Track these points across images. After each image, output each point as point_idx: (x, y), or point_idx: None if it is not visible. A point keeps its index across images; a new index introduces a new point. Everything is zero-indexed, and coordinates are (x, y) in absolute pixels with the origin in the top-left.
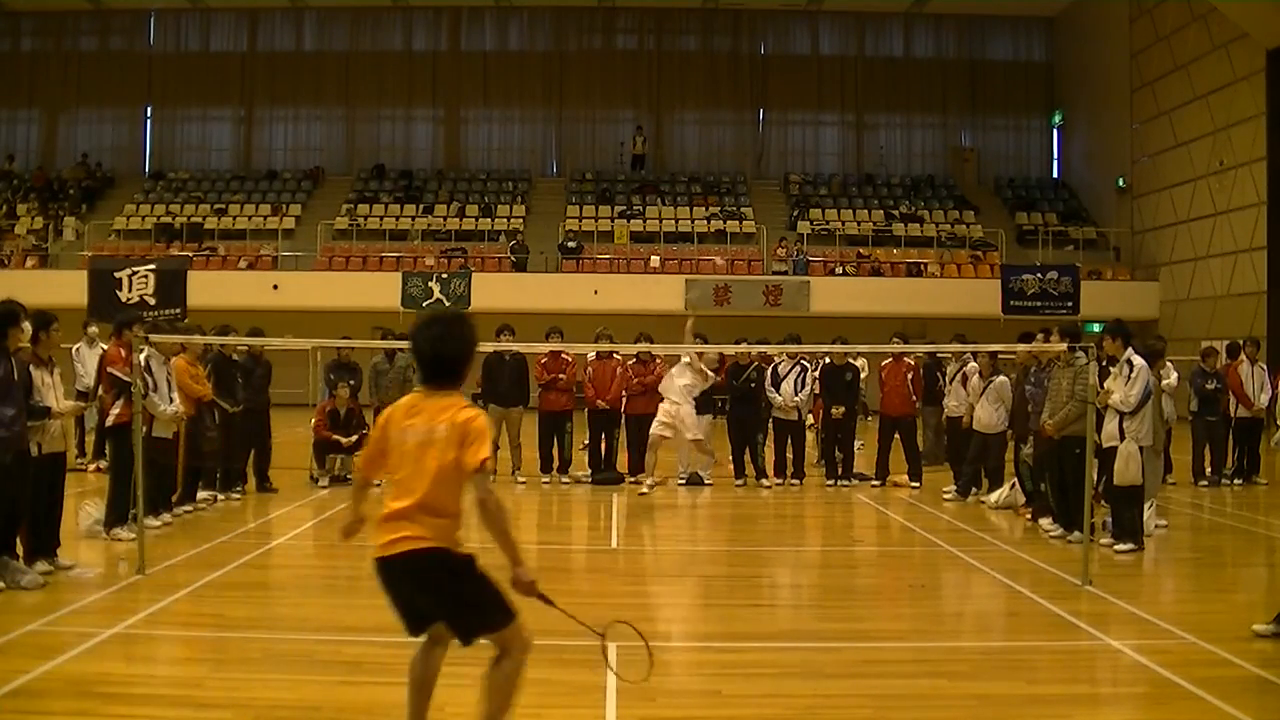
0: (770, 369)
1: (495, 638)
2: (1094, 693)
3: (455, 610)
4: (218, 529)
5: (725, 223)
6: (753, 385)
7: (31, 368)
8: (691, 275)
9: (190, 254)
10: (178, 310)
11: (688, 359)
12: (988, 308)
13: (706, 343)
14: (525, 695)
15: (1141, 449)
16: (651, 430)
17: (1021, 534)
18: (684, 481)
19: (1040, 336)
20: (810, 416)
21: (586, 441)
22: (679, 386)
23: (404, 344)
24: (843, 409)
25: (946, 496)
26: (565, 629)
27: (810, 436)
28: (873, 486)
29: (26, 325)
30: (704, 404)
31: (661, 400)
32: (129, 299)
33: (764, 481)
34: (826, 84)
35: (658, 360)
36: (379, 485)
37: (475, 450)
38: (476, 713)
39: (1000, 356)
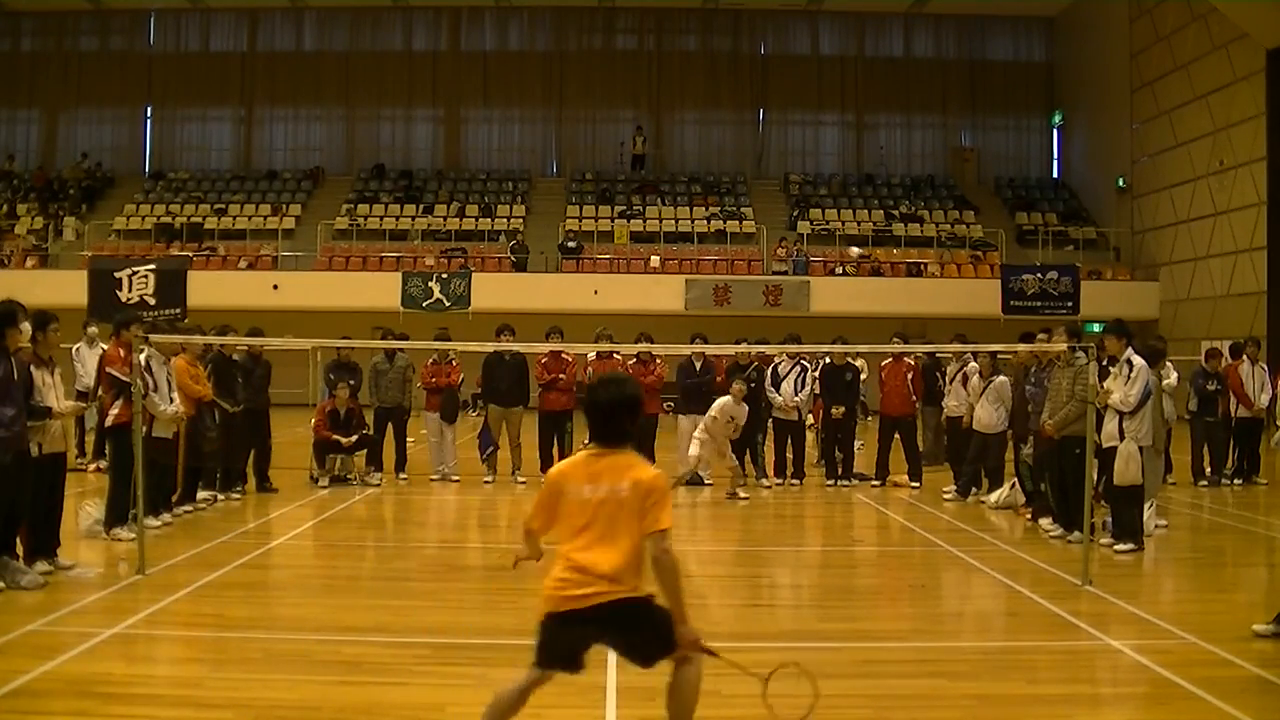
0: (770, 369)
1: (674, 655)
2: (1094, 693)
3: (646, 649)
4: (218, 529)
5: (725, 223)
6: (752, 385)
7: (32, 368)
8: (691, 275)
9: (190, 254)
10: (178, 310)
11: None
12: (988, 308)
13: (706, 342)
14: None
15: (1141, 449)
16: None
17: (1021, 534)
18: (683, 482)
19: (1042, 337)
20: (810, 416)
21: (586, 441)
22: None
23: (404, 344)
24: (843, 409)
25: (946, 496)
26: None
27: (810, 436)
28: (873, 486)
29: (26, 325)
30: (704, 404)
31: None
32: (129, 299)
33: (764, 481)
34: (826, 84)
35: (658, 360)
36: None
37: (657, 513)
38: (669, 714)
39: (999, 356)
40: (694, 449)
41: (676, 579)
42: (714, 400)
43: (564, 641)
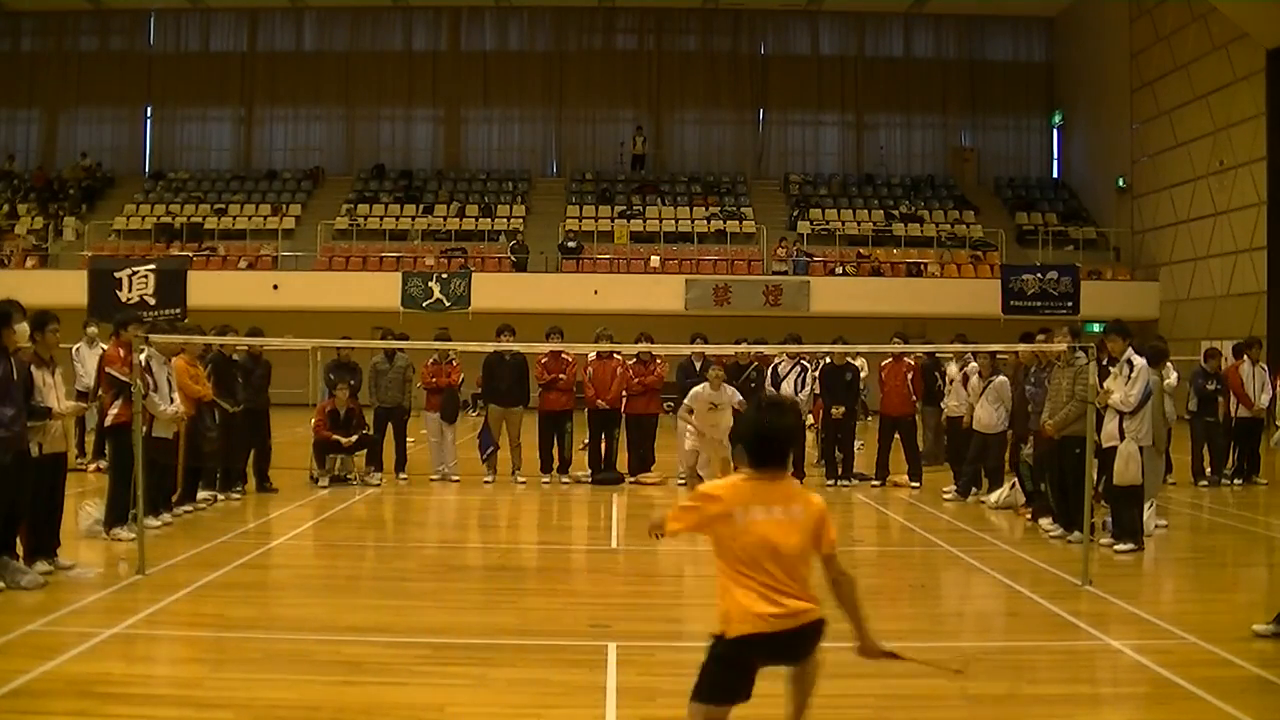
0: (770, 369)
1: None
2: (1094, 693)
3: (811, 651)
4: (218, 529)
5: (725, 223)
6: (753, 385)
7: (33, 368)
8: (691, 275)
9: (190, 254)
10: (178, 310)
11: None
12: (988, 308)
13: (707, 342)
14: (525, 695)
15: (1141, 449)
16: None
17: (1021, 534)
18: (683, 482)
19: (1041, 337)
20: (810, 416)
21: (586, 441)
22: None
23: (404, 344)
24: (843, 409)
25: (946, 496)
26: (565, 629)
27: (810, 436)
28: (873, 486)
29: (23, 325)
30: None
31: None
32: (129, 299)
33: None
34: (826, 84)
35: (658, 360)
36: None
37: (831, 533)
38: (791, 704)
39: (997, 356)
40: (687, 442)
41: (857, 594)
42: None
43: (750, 668)
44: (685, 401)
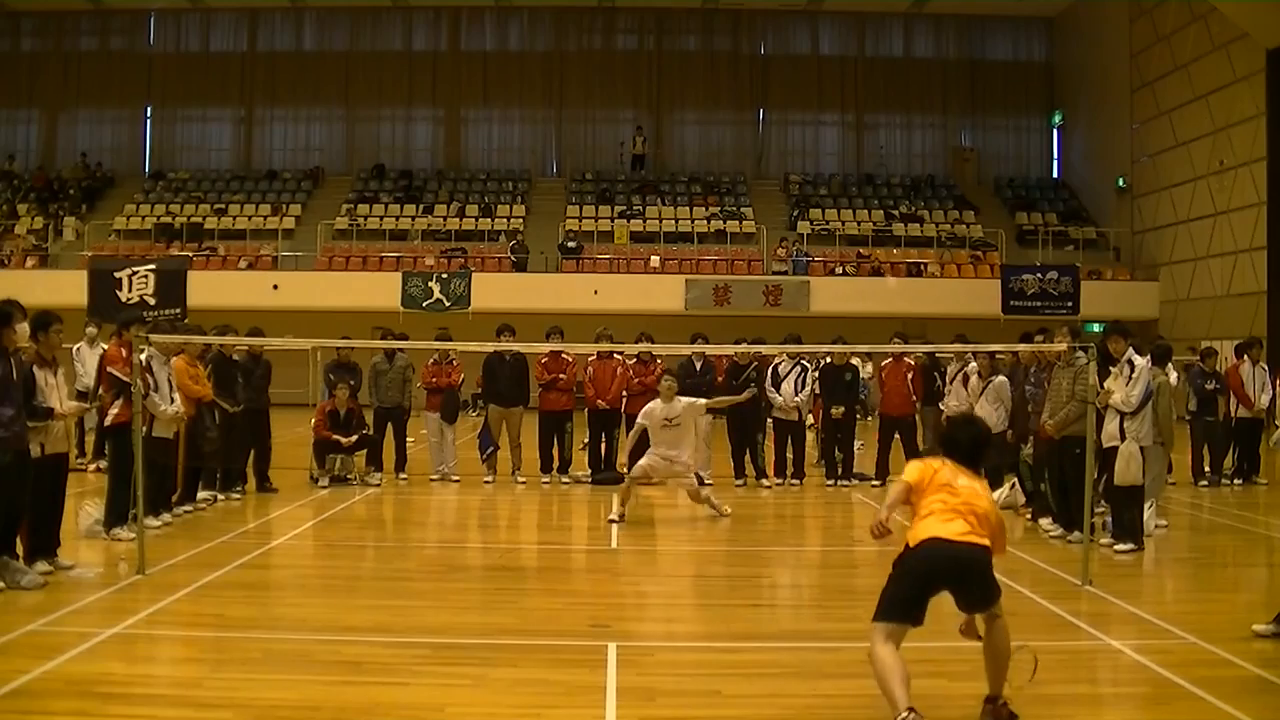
0: (770, 369)
1: (995, 608)
2: (1094, 693)
3: (983, 595)
4: (218, 529)
5: (725, 223)
6: (752, 385)
7: (35, 368)
8: (691, 275)
9: (190, 254)
10: (178, 310)
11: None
12: (988, 308)
13: (707, 342)
14: (525, 695)
15: (1143, 449)
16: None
17: (1021, 534)
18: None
19: (1040, 338)
20: (810, 416)
21: (586, 441)
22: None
23: (404, 344)
24: (842, 409)
25: None
26: (565, 629)
27: (810, 436)
28: (873, 486)
29: (23, 325)
30: None
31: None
32: (129, 299)
33: (764, 481)
34: (826, 84)
35: (658, 360)
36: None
37: (1002, 542)
38: (993, 671)
39: (996, 356)
40: (643, 460)
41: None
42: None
43: (927, 580)
44: (638, 420)
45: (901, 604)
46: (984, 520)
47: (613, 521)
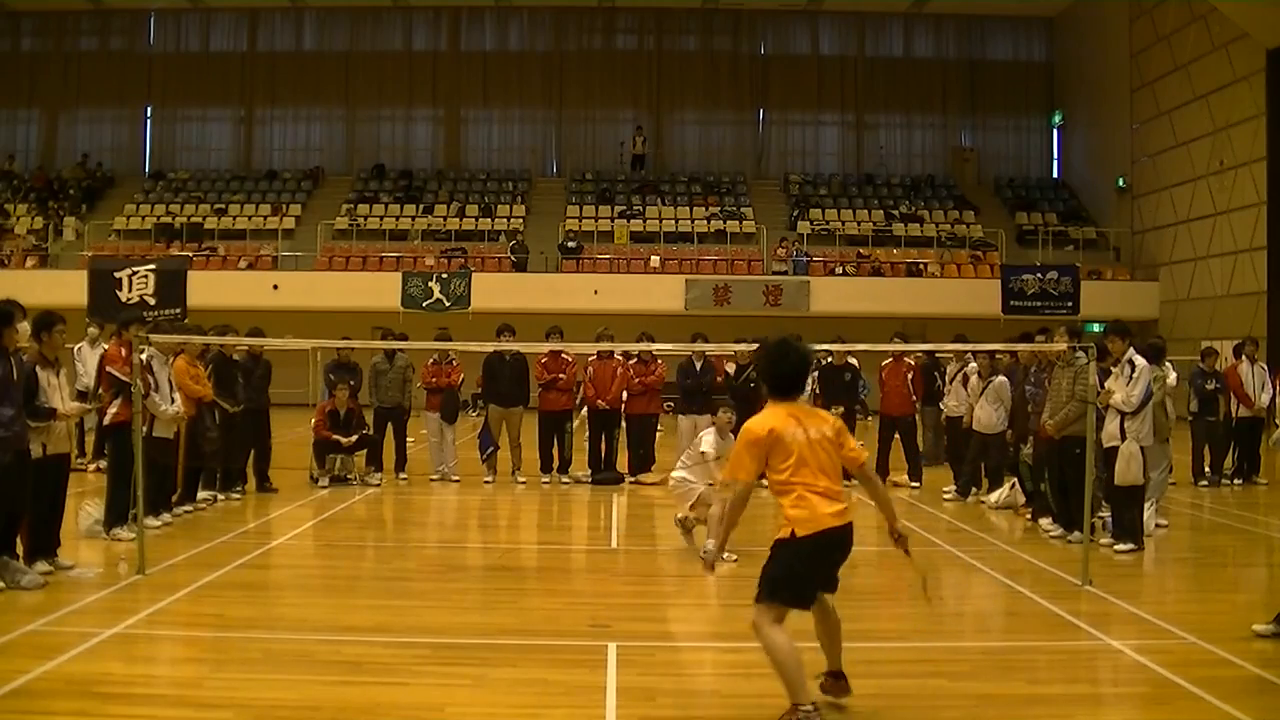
0: None
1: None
2: (1094, 693)
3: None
4: (218, 529)
5: (725, 223)
6: (752, 385)
7: (38, 368)
8: (691, 275)
9: (190, 254)
10: (178, 310)
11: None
12: (988, 308)
13: (707, 342)
14: (525, 695)
15: (1144, 449)
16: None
17: (1021, 534)
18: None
19: (1040, 338)
20: None
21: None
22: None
23: (404, 344)
24: (842, 409)
25: (946, 496)
26: (565, 629)
27: None
28: None
29: (24, 325)
30: (704, 404)
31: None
32: (129, 299)
33: (764, 481)
34: (826, 84)
35: (658, 360)
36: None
37: (852, 443)
38: (832, 646)
39: (996, 356)
40: (698, 484)
41: (886, 490)
42: (713, 400)
43: (824, 564)
44: (704, 450)
45: (797, 589)
46: (839, 473)
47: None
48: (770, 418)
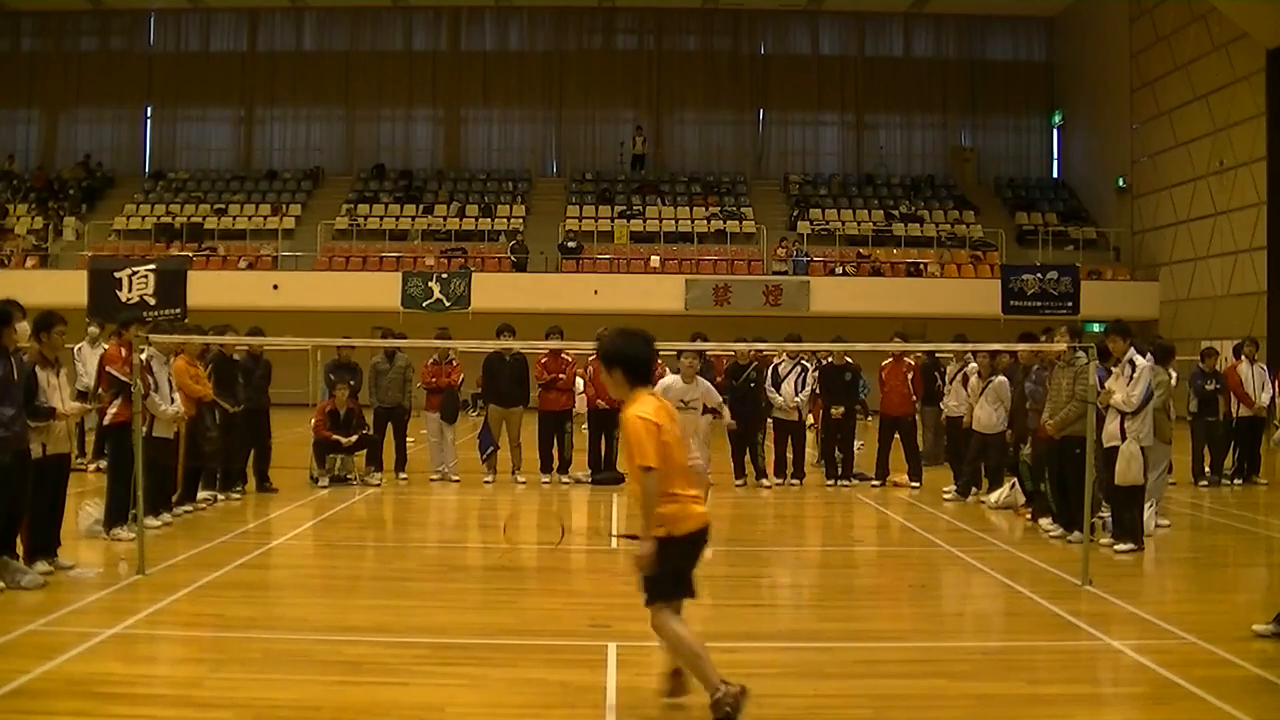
0: (770, 369)
1: None
2: (1094, 693)
3: None
4: (218, 529)
5: (725, 223)
6: (752, 385)
7: (37, 368)
8: (691, 275)
9: (190, 254)
10: (178, 310)
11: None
12: (988, 308)
13: (706, 340)
14: (525, 695)
15: (1144, 449)
16: None
17: (1021, 534)
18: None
19: (1044, 338)
20: (810, 416)
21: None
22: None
23: (404, 344)
24: (842, 409)
25: (946, 496)
26: (565, 629)
27: (810, 436)
28: (873, 486)
29: (23, 325)
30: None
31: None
32: (129, 299)
33: (764, 481)
34: (826, 84)
35: (658, 360)
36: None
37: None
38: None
39: (998, 356)
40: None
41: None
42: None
43: (696, 559)
44: (674, 396)
45: (685, 584)
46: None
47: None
48: (656, 407)
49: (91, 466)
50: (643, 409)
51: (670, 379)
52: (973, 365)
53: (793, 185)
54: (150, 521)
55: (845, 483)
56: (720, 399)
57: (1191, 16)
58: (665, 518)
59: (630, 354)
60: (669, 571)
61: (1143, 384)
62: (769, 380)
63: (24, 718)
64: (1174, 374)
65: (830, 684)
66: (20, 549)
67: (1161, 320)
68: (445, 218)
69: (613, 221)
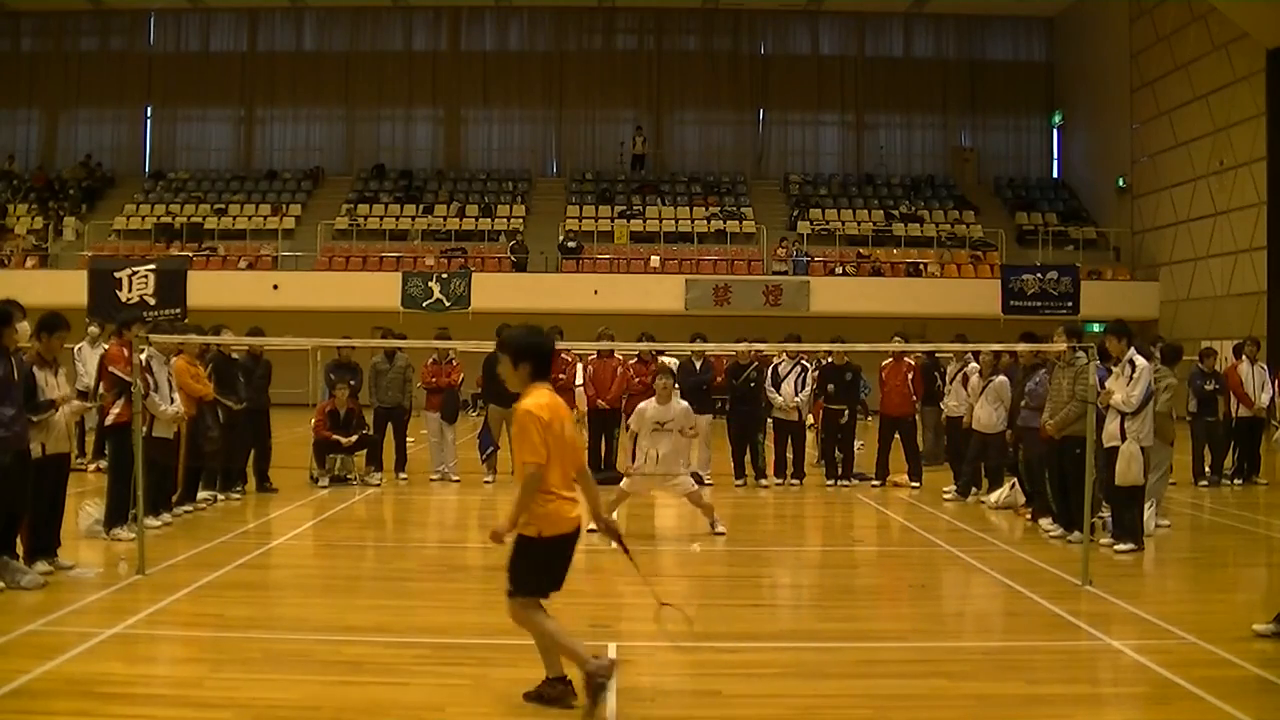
0: (770, 369)
1: None
2: (1094, 693)
3: None
4: (218, 529)
5: (725, 223)
6: (752, 385)
7: (35, 368)
8: (691, 275)
9: (190, 254)
10: (178, 310)
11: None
12: (988, 308)
13: (706, 341)
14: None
15: (1144, 449)
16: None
17: (1021, 534)
18: (592, 529)
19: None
20: (810, 416)
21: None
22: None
23: (404, 344)
24: (844, 409)
25: (946, 496)
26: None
27: (810, 436)
28: (873, 486)
29: (23, 325)
30: (704, 404)
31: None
32: (129, 299)
33: (764, 481)
34: (826, 84)
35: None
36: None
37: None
38: (552, 656)
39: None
40: (626, 483)
41: (595, 485)
42: (714, 399)
43: (565, 561)
44: (629, 422)
45: (546, 583)
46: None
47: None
48: (549, 402)
49: (91, 466)
50: (536, 402)
51: (645, 403)
52: (973, 365)
53: (793, 185)
54: (150, 521)
55: (845, 483)
56: (695, 421)
57: (1191, 16)
58: (539, 517)
59: (539, 349)
60: (536, 568)
61: (1142, 384)
62: (769, 380)
63: (24, 718)
64: (1174, 376)
65: (830, 684)
66: (20, 549)
67: (1161, 320)
68: (445, 218)
69: (613, 221)
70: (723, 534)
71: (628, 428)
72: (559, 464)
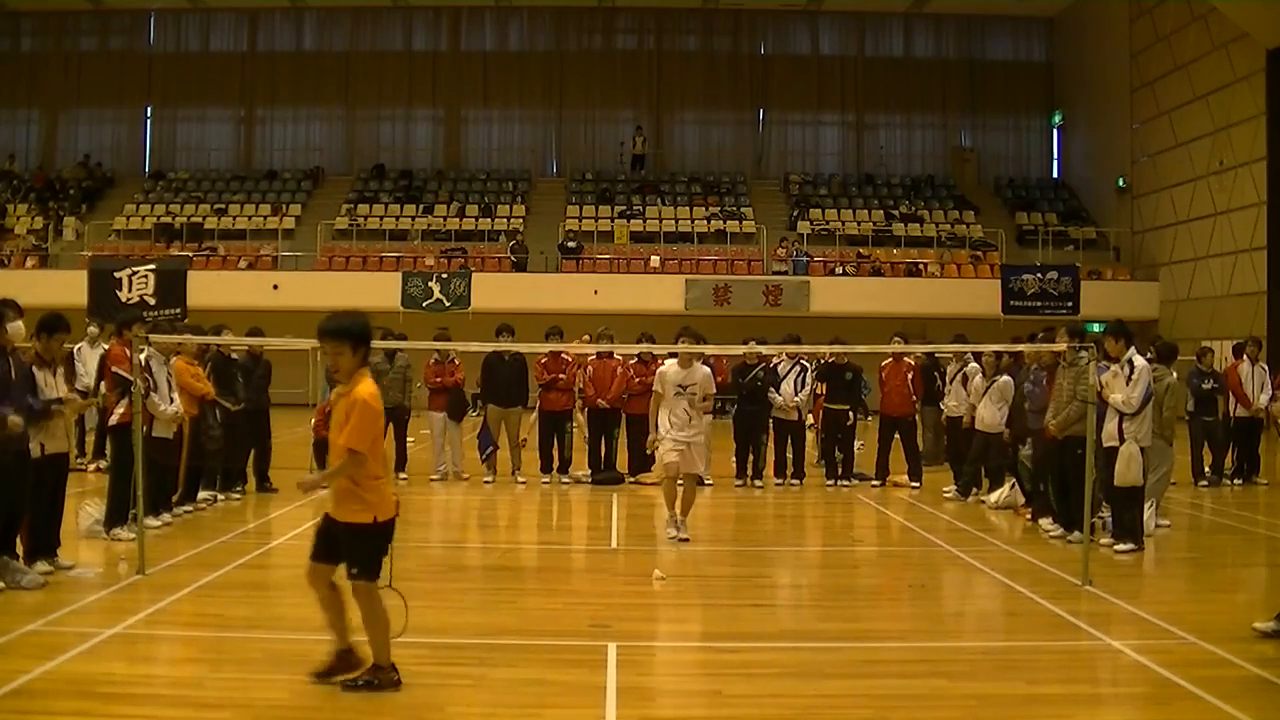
0: (769, 369)
1: None
2: (1094, 693)
3: None
4: (218, 529)
5: (725, 223)
6: (759, 384)
7: (34, 368)
8: (691, 275)
9: (190, 254)
10: (178, 310)
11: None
12: (988, 308)
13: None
14: (525, 695)
15: (1144, 449)
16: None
17: (1021, 534)
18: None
19: (1041, 336)
20: (810, 416)
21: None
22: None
23: (404, 344)
24: (845, 409)
25: (946, 496)
26: (565, 629)
27: (810, 436)
28: (873, 486)
29: (18, 324)
30: None
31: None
32: (129, 299)
33: (759, 483)
34: (826, 84)
35: (659, 360)
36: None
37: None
38: (342, 626)
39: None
40: (668, 452)
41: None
42: (720, 400)
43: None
44: (654, 386)
45: (380, 564)
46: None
47: (680, 539)
48: (376, 391)
49: (91, 466)
50: (372, 393)
51: (667, 364)
52: (973, 365)
53: (793, 185)
54: (150, 521)
55: (845, 483)
56: (714, 389)
57: (1191, 16)
58: (373, 504)
59: (369, 334)
60: (378, 550)
61: (1142, 385)
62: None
63: (24, 718)
64: (1174, 374)
65: (830, 684)
66: (20, 549)
67: (1161, 320)
68: (445, 218)
69: (613, 221)
70: (686, 540)
71: (653, 400)
72: (378, 450)
